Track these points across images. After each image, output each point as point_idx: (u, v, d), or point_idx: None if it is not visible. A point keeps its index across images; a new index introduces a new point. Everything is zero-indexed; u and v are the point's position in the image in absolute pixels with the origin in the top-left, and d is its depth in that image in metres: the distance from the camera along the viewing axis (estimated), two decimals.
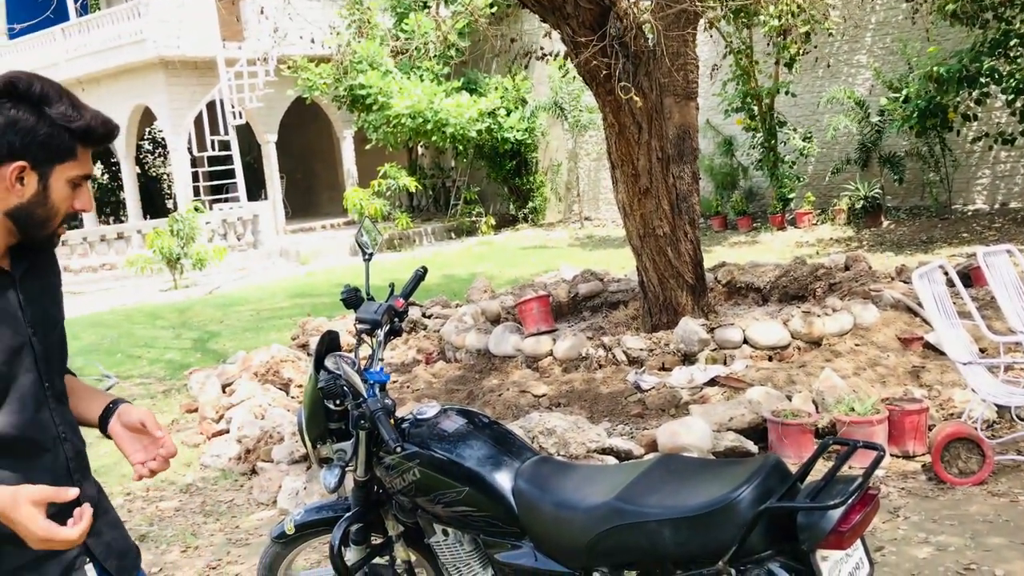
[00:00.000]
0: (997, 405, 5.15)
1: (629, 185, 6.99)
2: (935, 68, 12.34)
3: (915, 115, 12.91)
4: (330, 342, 3.08)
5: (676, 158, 7.40)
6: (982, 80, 12.52)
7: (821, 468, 2.59)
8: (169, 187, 29.56)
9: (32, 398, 1.94)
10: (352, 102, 19.07)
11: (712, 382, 6.25)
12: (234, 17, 20.71)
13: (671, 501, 2.30)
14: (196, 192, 20.34)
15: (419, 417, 2.88)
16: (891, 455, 5.05)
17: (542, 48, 7.75)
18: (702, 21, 8.44)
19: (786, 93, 15.36)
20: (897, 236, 13.89)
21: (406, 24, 19.08)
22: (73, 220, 2.13)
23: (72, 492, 1.80)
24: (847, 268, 9.24)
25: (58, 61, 21.47)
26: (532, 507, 2.59)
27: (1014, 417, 5.39)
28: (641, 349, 6.74)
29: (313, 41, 17.76)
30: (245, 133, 21.15)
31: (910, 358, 6.51)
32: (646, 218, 7.08)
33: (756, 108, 15.51)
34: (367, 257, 3.21)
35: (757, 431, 5.36)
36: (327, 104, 20.82)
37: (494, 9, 17.92)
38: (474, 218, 20.39)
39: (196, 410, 7.34)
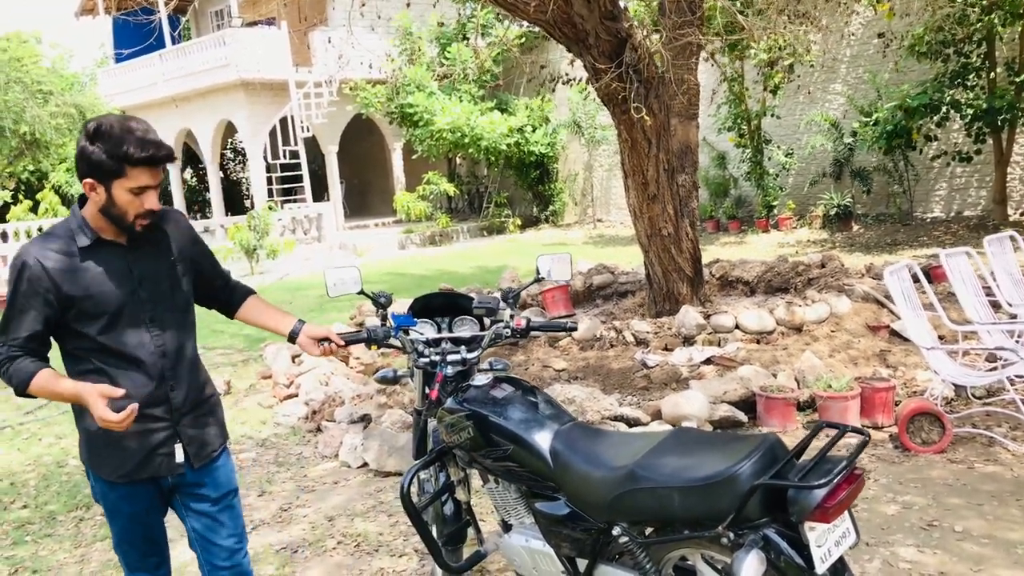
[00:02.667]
0: (955, 385, 5.07)
1: (639, 192, 6.92)
2: (906, 100, 12.14)
3: (883, 136, 12.73)
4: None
5: (679, 169, 7.34)
6: (944, 108, 12.34)
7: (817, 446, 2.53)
8: (247, 189, 29.67)
9: (135, 326, 2.43)
10: (402, 118, 19.05)
11: (708, 361, 6.19)
12: (305, 46, 20.68)
13: (681, 470, 2.25)
14: (270, 194, 20.37)
15: (474, 384, 2.85)
16: (862, 426, 4.97)
17: (567, 74, 7.68)
18: (703, 53, 8.35)
19: (771, 115, 15.20)
20: (866, 239, 13.71)
21: (449, 52, 19.01)
22: (151, 216, 2.42)
23: (118, 391, 2.29)
24: (823, 265, 9.11)
25: (156, 82, 21.57)
26: (566, 466, 2.55)
27: (969, 395, 5.31)
28: (647, 332, 6.68)
29: (371, 66, 17.81)
30: (312, 144, 21.16)
31: (878, 343, 6.43)
32: (653, 220, 7.01)
33: (746, 128, 15.35)
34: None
35: (747, 403, 5.29)
36: (380, 120, 20.80)
37: (523, 40, 17.83)
38: (503, 219, 20.31)
39: (270, 377, 7.35)
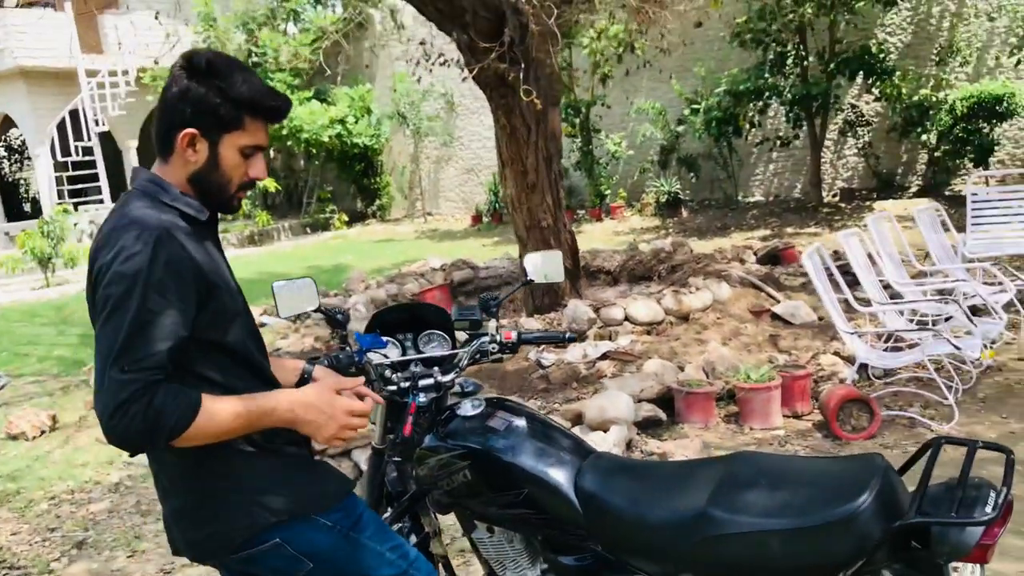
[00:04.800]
0: (865, 365, 5.06)
1: (518, 181, 6.53)
2: (734, 85, 12.52)
3: (713, 122, 13.10)
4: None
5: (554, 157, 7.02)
6: (766, 94, 12.86)
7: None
8: (26, 191, 26.66)
9: (252, 334, 1.87)
10: None
11: (604, 356, 5.91)
12: (93, 31, 18.69)
13: (777, 509, 1.84)
14: (60, 196, 18.25)
15: (462, 414, 2.32)
16: (783, 416, 4.85)
17: (441, 54, 7.15)
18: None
19: (601, 104, 15.31)
20: (697, 224, 14.10)
21: (257, 39, 17.83)
22: (251, 188, 1.84)
23: (359, 380, 1.92)
24: (674, 252, 9.15)
25: None
26: (602, 509, 2.09)
27: (869, 376, 5.34)
28: (536, 330, 6.31)
29: (173, 48, 16.30)
30: (107, 139, 19.19)
31: (764, 328, 6.41)
32: (532, 211, 6.65)
33: (576, 117, 15.36)
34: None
35: (663, 400, 5.04)
36: None
37: (336, 27, 16.96)
38: (328, 215, 19.33)
39: None
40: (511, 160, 6.44)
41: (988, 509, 1.67)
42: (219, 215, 1.89)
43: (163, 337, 1.59)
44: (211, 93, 1.71)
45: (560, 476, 2.18)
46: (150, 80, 17.16)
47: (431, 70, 7.96)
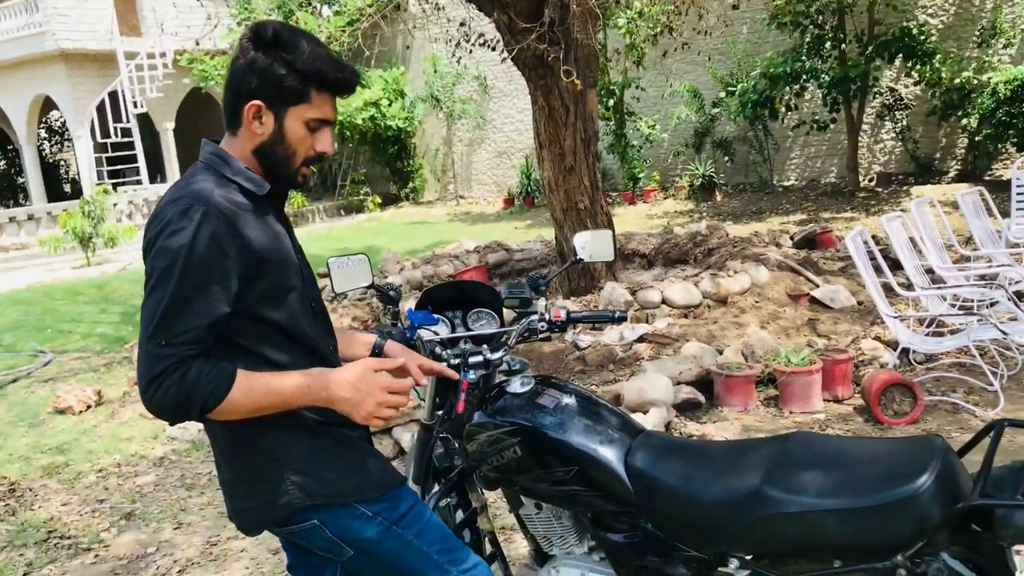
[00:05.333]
0: (907, 350, 4.99)
1: (556, 163, 6.51)
2: (771, 68, 12.35)
3: (748, 105, 12.95)
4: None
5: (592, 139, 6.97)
6: (803, 77, 12.67)
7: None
8: (65, 172, 27.05)
9: (309, 314, 1.83)
10: None
11: (641, 339, 5.89)
12: (132, 13, 18.86)
13: (834, 489, 1.82)
14: (99, 176, 18.50)
15: (512, 391, 2.32)
16: (823, 400, 4.80)
17: (482, 34, 7.12)
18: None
19: (635, 87, 15.18)
20: (731, 208, 13.98)
21: (292, 22, 17.85)
22: (319, 162, 1.80)
23: (401, 361, 1.89)
24: (709, 235, 9.07)
25: None
26: (653, 487, 2.09)
27: (910, 361, 5.27)
28: (585, 309, 6.31)
29: (210, 37, 16.41)
30: (145, 121, 19.40)
31: (803, 312, 6.35)
32: (570, 193, 6.62)
33: (610, 100, 15.25)
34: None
35: (702, 383, 5.02)
36: (220, 94, 19.33)
37: (372, 8, 16.94)
38: (361, 197, 19.41)
39: None
40: (549, 141, 6.42)
41: None
42: (288, 190, 1.88)
43: (202, 313, 1.59)
44: (276, 64, 1.68)
45: (610, 453, 2.18)
46: (187, 63, 17.31)
47: (471, 51, 7.93)
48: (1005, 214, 7.25)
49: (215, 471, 4.60)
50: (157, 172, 21.12)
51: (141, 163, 18.72)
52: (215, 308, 1.61)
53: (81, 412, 5.97)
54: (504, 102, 18.06)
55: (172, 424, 1.70)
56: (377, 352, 2.08)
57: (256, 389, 1.63)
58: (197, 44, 12.56)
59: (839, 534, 1.81)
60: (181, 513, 4.21)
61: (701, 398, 4.85)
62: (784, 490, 1.87)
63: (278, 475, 1.77)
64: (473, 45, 7.22)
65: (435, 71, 17.88)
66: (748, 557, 1.98)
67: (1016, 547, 1.71)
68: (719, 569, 2.05)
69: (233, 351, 1.69)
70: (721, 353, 5.35)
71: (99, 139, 18.08)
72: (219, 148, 1.77)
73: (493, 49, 6.46)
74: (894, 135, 13.81)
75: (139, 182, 18.74)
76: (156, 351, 1.57)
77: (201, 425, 5.11)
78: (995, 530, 1.70)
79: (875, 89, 13.16)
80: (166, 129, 19.58)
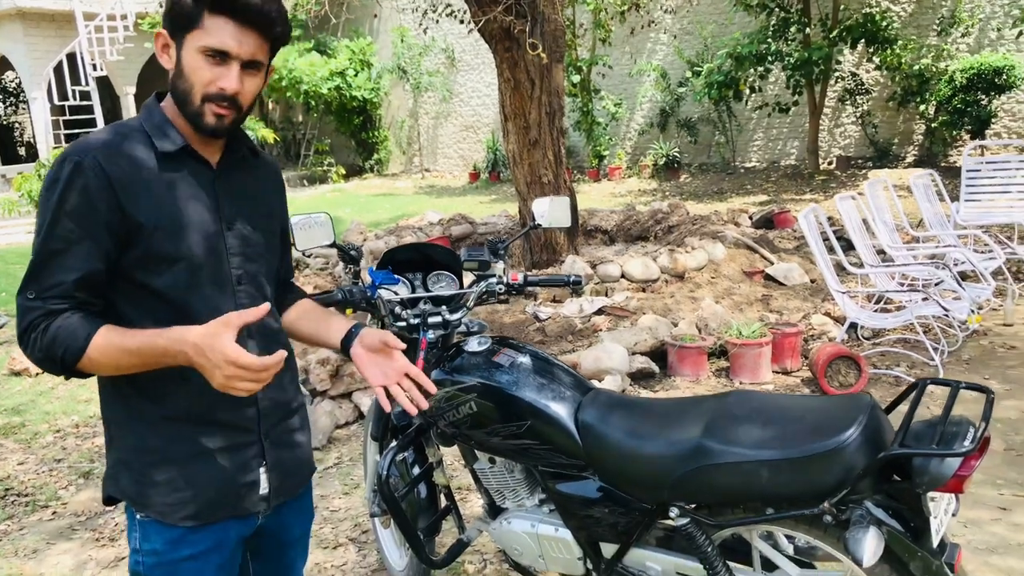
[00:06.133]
0: (855, 325, 5.16)
1: (520, 136, 6.57)
2: (737, 48, 12.48)
3: (714, 86, 13.09)
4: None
5: (558, 112, 7.04)
6: (768, 59, 12.83)
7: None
8: (20, 135, 26.46)
9: (220, 288, 1.65)
10: None
11: (600, 311, 6.00)
12: None
13: (769, 441, 1.94)
14: (57, 140, 18.14)
15: (469, 350, 2.41)
16: (773, 371, 4.96)
17: (449, 4, 7.12)
18: None
19: (603, 64, 15.25)
20: (694, 187, 14.15)
21: None
22: (222, 103, 1.56)
23: (264, 307, 1.50)
24: (671, 213, 9.20)
25: None
26: (600, 441, 2.19)
27: (858, 336, 5.45)
28: (541, 273, 6.40)
29: None
30: (105, 85, 19.03)
31: (757, 288, 6.51)
32: (534, 167, 6.70)
33: (576, 77, 15.31)
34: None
35: (656, 353, 5.15)
36: None
37: None
38: (325, 168, 19.30)
39: None
40: (514, 114, 6.47)
41: (967, 443, 1.77)
42: (231, 151, 1.70)
43: (68, 268, 1.51)
44: None
45: (561, 409, 2.28)
46: (148, 27, 17.00)
47: (438, 21, 7.93)
48: (956, 199, 7.47)
49: None
50: None
51: (100, 127, 18.38)
52: (84, 264, 1.52)
53: (37, 375, 5.95)
54: (471, 75, 18.03)
55: (63, 377, 1.59)
56: (349, 341, 1.87)
57: (112, 347, 1.51)
58: (161, 5, 12.31)
59: (772, 483, 1.93)
60: None
61: (655, 368, 4.99)
62: (722, 442, 1.99)
63: (110, 451, 1.68)
64: (440, 16, 7.21)
65: (402, 42, 17.78)
66: (689, 506, 2.10)
67: (931, 494, 1.84)
68: (661, 518, 2.17)
69: (115, 312, 1.59)
70: (676, 326, 5.49)
71: (56, 102, 17.71)
72: (155, 103, 1.66)
73: (462, 22, 6.46)
74: (854, 119, 14.06)
75: None
76: (25, 303, 1.53)
77: None
78: (912, 478, 1.83)
79: (837, 73, 13.38)
80: (127, 93, 19.22)
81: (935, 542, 1.87)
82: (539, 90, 6.32)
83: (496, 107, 17.48)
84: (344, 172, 19.13)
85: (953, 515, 1.98)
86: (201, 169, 1.65)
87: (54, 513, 3.86)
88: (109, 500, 1.71)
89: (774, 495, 1.96)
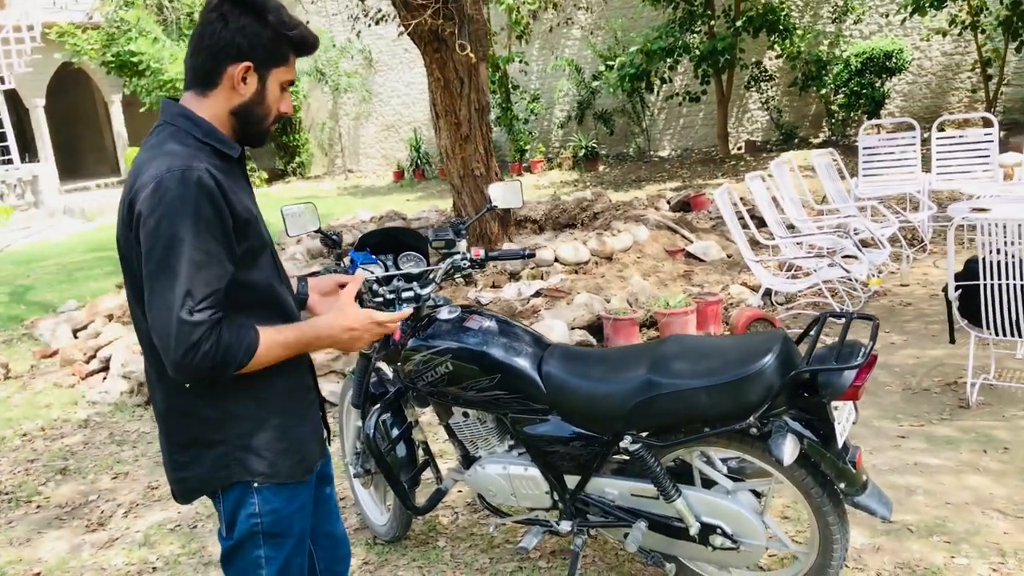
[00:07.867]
0: (770, 291, 5.68)
1: (452, 132, 6.91)
2: (648, 44, 13.03)
3: (627, 79, 13.64)
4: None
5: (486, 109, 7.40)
6: (677, 51, 13.43)
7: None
8: None
9: (276, 271, 1.90)
10: (121, 67, 17.30)
11: (537, 294, 6.40)
12: None
13: (704, 372, 2.36)
14: None
15: (442, 319, 2.77)
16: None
17: (379, 9, 7.39)
18: None
19: (519, 61, 15.67)
20: (613, 177, 14.68)
21: None
22: (279, 122, 1.92)
23: (361, 275, 2.11)
24: (595, 201, 9.67)
25: None
26: (562, 386, 2.58)
27: (772, 301, 5.99)
28: (500, 249, 6.76)
29: (88, 14, 15.89)
30: (12, 98, 18.57)
31: (679, 265, 7.00)
32: (466, 161, 7.05)
33: (496, 74, 15.69)
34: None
35: (593, 327, 5.57)
36: (95, 69, 18.73)
37: None
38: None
39: (53, 355, 6.52)
40: (445, 112, 6.81)
41: (859, 359, 2.22)
42: (246, 151, 1.92)
43: (219, 275, 1.65)
44: (266, 30, 1.75)
45: (526, 362, 2.66)
46: (56, 36, 16.70)
47: (369, 25, 8.19)
48: (855, 175, 8.11)
49: (143, 427, 4.85)
50: (25, 151, 20.27)
51: (11, 142, 17.95)
52: (226, 270, 1.67)
53: None
54: (390, 76, 18.24)
55: (211, 384, 1.71)
56: (303, 293, 2.15)
57: (275, 345, 1.73)
58: (89, 16, 12.16)
59: (708, 405, 2.35)
60: (117, 464, 4.45)
61: (593, 340, 5.41)
62: (666, 375, 2.40)
63: (219, 447, 1.80)
64: (371, 20, 7.49)
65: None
66: (640, 434, 2.51)
67: (834, 404, 2.29)
68: (616, 447, 2.57)
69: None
70: (609, 302, 5.92)
71: None
72: (187, 109, 1.77)
73: (385, 21, 6.74)
74: (760, 105, 14.82)
75: (10, 161, 17.97)
76: (188, 319, 1.60)
77: (124, 387, 5.31)
78: (819, 391, 2.27)
79: (742, 62, 14.09)
80: (36, 106, 18.81)
81: (840, 444, 2.32)
82: (468, 88, 6.68)
83: (417, 106, 17.76)
84: (267, 177, 19.11)
85: (853, 423, 2.43)
86: (241, 169, 1.88)
87: (38, 507, 4.06)
88: (187, 497, 1.89)
89: (711, 415, 2.38)
